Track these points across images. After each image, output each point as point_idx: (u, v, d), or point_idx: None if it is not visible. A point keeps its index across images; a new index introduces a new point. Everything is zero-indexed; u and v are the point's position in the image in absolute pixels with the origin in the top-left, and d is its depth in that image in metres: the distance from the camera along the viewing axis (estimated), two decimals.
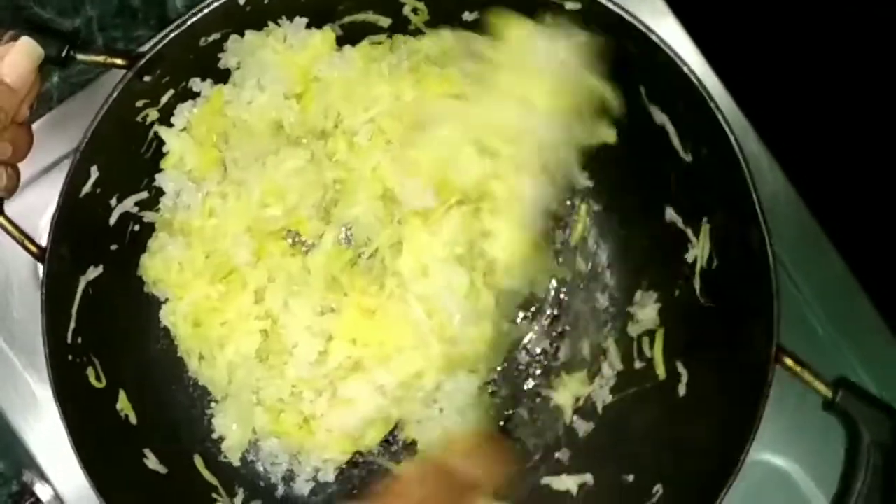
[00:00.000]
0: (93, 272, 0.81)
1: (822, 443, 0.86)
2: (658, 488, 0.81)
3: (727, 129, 0.75)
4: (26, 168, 0.83)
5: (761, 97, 0.89)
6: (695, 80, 0.76)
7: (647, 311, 0.87)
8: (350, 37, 0.84)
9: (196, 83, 0.82)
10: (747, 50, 1.06)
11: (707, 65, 0.88)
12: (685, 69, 0.76)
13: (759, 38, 1.10)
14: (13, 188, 0.74)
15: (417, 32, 0.85)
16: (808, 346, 0.85)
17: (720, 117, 0.75)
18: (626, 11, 0.76)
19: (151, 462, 0.83)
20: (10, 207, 0.77)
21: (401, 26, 0.84)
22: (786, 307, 0.84)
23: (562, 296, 0.91)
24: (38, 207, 0.82)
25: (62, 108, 0.89)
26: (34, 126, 0.85)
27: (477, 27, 0.81)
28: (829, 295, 0.88)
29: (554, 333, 0.91)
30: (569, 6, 0.77)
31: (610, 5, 0.76)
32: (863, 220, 1.05)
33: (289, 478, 0.89)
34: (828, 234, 0.88)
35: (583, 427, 0.89)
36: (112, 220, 0.82)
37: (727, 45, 0.88)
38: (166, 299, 0.85)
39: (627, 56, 0.78)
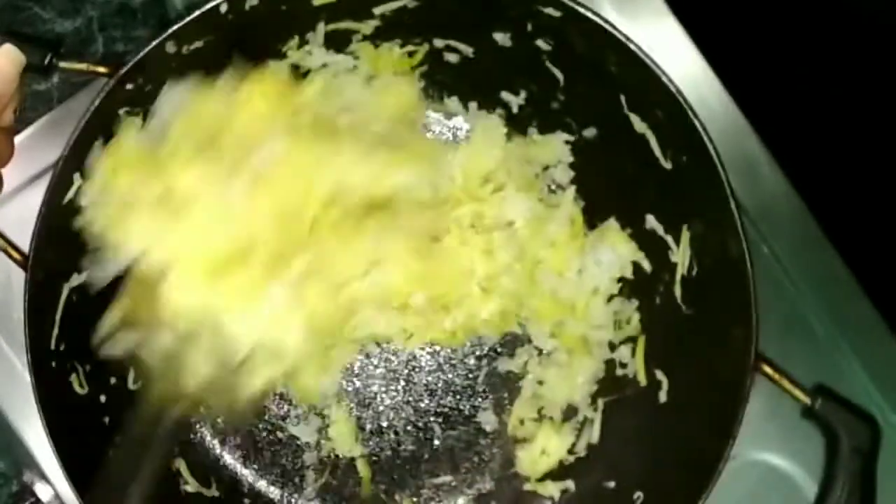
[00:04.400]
0: (77, 279, 0.81)
1: (820, 441, 0.85)
2: (639, 495, 0.82)
3: (706, 138, 0.75)
4: (28, 167, 0.85)
5: (761, 96, 0.89)
6: (674, 89, 0.76)
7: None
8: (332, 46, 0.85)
9: None
10: (747, 49, 1.05)
11: (706, 64, 0.87)
12: (664, 78, 0.76)
13: (759, 38, 1.10)
14: None
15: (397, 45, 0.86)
16: (807, 345, 0.87)
17: (699, 126, 0.75)
18: (605, 20, 0.76)
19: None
20: (7, 210, 0.77)
21: (385, 34, 0.85)
22: (785, 306, 0.85)
23: None
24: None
25: (62, 109, 0.89)
26: (35, 125, 0.87)
27: None
28: (828, 293, 0.88)
29: None
30: (549, 13, 0.78)
31: (589, 14, 0.76)
32: (862, 218, 1.05)
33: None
34: (827, 232, 0.88)
35: None
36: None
37: (727, 45, 0.88)
38: None
39: (607, 64, 0.79)
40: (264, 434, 0.89)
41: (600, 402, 0.87)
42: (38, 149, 0.85)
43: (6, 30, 0.74)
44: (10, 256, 0.78)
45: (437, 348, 0.90)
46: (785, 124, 0.92)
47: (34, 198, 0.78)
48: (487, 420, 0.89)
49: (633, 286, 0.87)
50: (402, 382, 0.90)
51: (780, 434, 0.87)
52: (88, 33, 0.93)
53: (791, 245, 0.88)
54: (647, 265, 0.85)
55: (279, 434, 0.89)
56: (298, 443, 0.89)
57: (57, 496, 0.86)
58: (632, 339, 0.87)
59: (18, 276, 0.77)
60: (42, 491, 0.86)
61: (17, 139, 0.74)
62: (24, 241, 0.77)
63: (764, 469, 0.88)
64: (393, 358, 0.90)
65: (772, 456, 0.88)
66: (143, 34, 0.93)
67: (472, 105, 0.90)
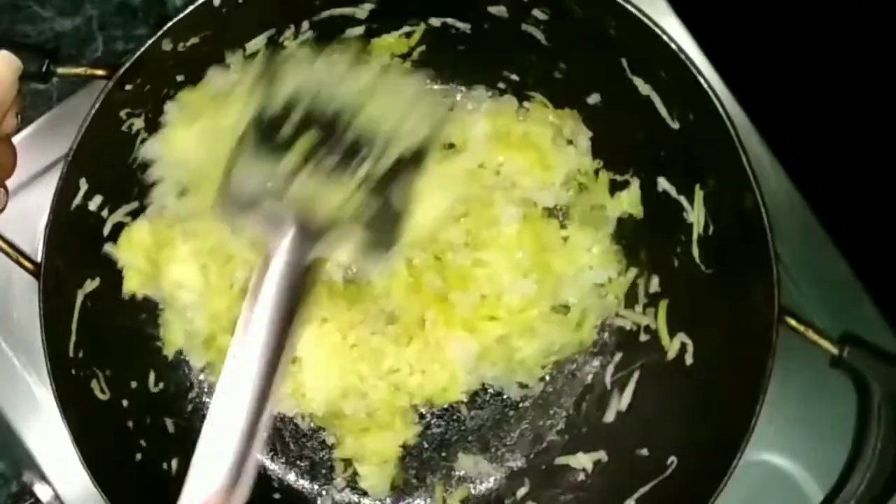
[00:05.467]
0: (90, 284, 0.81)
1: (821, 441, 0.85)
2: (673, 460, 0.81)
3: (712, 94, 0.75)
4: (29, 165, 0.85)
5: (764, 97, 0.88)
6: (675, 47, 0.75)
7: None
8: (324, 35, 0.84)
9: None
10: (750, 49, 1.05)
11: (710, 64, 0.87)
12: (665, 37, 0.75)
13: (762, 38, 1.10)
14: (2, 208, 0.74)
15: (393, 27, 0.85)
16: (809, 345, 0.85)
17: (704, 82, 0.75)
18: None
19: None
20: (9, 208, 0.77)
21: (380, 17, 0.84)
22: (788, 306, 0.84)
23: None
24: (41, 207, 0.79)
25: (62, 108, 0.89)
26: (35, 124, 0.88)
27: None
28: (832, 295, 0.87)
29: None
30: None
31: None
32: (865, 220, 1.04)
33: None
34: (830, 234, 0.88)
35: None
36: (106, 231, 0.82)
37: (730, 45, 0.88)
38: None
39: (607, 28, 0.78)
40: (290, 427, 0.88)
41: (627, 370, 0.87)
42: (38, 148, 0.85)
43: (5, 28, 0.73)
44: (23, 266, 0.77)
45: None
46: (788, 124, 0.92)
47: (35, 196, 0.78)
48: (512, 392, 0.88)
49: (652, 251, 0.86)
50: None
51: (781, 434, 0.87)
52: (88, 32, 0.93)
53: (794, 246, 0.87)
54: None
55: (304, 426, 0.89)
56: (324, 434, 0.88)
57: (56, 497, 0.85)
58: (654, 305, 0.86)
59: (19, 275, 0.77)
60: (41, 491, 0.85)
61: (17, 139, 0.74)
62: (25, 241, 0.77)
63: (765, 469, 0.87)
64: None
65: (772, 456, 0.87)
66: (143, 32, 0.93)
67: (475, 83, 0.89)
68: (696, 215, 0.81)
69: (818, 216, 0.87)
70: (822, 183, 0.88)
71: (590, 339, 0.89)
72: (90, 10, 0.93)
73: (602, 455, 0.86)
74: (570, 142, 0.88)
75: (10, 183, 0.73)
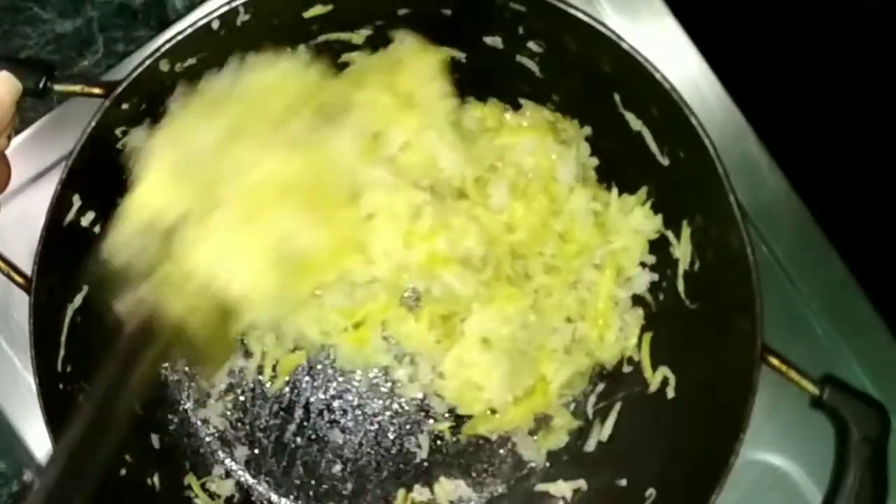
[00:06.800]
0: (80, 299, 0.81)
1: (819, 441, 0.84)
2: (651, 492, 0.82)
3: (702, 132, 0.76)
4: (29, 167, 0.86)
5: (761, 98, 0.89)
6: (668, 86, 0.76)
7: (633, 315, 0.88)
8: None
9: None
10: (747, 50, 1.06)
11: (706, 65, 0.88)
12: (658, 75, 0.76)
13: (758, 39, 1.10)
14: None
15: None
16: (807, 346, 0.87)
17: (695, 120, 0.76)
18: (598, 21, 0.76)
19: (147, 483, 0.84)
20: (7, 210, 0.77)
21: (377, 42, 0.85)
22: (785, 306, 0.85)
23: None
24: (40, 210, 0.78)
25: (62, 109, 0.89)
26: (34, 126, 0.88)
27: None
28: (829, 295, 0.88)
29: None
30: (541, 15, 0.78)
31: (581, 16, 0.76)
32: (862, 220, 1.05)
33: None
34: (827, 233, 0.89)
35: None
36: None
37: (727, 46, 0.89)
38: None
39: (601, 64, 0.79)
40: (270, 441, 0.89)
41: (609, 400, 0.88)
42: (37, 150, 0.85)
43: (6, 29, 0.73)
44: (13, 280, 0.78)
45: None
46: (784, 125, 0.92)
47: (33, 199, 0.78)
48: None
49: None
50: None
51: (779, 434, 0.88)
52: (88, 34, 0.93)
53: (791, 246, 0.88)
54: (650, 260, 0.85)
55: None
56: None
57: None
58: (638, 337, 0.87)
59: None
60: None
61: (16, 140, 0.74)
62: (22, 246, 0.77)
63: (763, 468, 0.88)
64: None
65: (770, 455, 0.88)
66: (143, 34, 0.94)
67: None
68: (682, 251, 0.82)
69: (815, 216, 0.88)
70: (819, 182, 0.89)
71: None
72: (90, 11, 0.93)
73: (582, 484, 0.87)
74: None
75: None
